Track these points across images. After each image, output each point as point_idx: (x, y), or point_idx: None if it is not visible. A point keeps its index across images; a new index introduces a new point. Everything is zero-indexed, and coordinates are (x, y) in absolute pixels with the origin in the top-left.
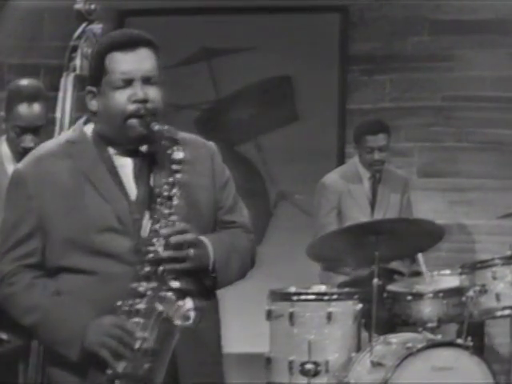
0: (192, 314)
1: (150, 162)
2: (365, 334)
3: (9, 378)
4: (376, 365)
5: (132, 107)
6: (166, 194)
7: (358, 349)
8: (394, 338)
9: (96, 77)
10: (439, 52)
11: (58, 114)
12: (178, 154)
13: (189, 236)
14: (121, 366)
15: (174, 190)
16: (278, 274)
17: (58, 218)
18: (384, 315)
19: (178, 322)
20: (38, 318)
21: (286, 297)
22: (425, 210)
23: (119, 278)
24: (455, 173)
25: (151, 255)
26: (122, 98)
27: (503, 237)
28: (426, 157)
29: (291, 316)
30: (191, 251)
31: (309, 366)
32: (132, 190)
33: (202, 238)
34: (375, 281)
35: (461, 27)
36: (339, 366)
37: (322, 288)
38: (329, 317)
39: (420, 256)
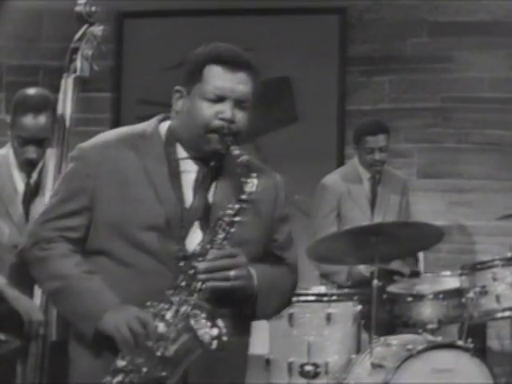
0: (215, 341)
1: (215, 174)
2: (365, 336)
3: (7, 379)
4: (376, 366)
5: (217, 123)
6: (227, 219)
7: (358, 350)
8: (394, 340)
9: (190, 80)
10: (438, 53)
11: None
12: (251, 187)
13: (236, 261)
14: (133, 363)
15: (237, 219)
16: None
17: (108, 203)
18: (384, 316)
19: (203, 342)
20: (63, 285)
21: None
22: (424, 211)
23: (152, 275)
24: (455, 174)
25: (193, 270)
26: (209, 111)
27: (503, 238)
28: (426, 158)
29: (291, 317)
30: (232, 272)
31: (308, 368)
32: (188, 197)
33: (249, 267)
34: (375, 282)
35: (459, 29)
36: (339, 367)
37: (322, 289)
38: (328, 318)
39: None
